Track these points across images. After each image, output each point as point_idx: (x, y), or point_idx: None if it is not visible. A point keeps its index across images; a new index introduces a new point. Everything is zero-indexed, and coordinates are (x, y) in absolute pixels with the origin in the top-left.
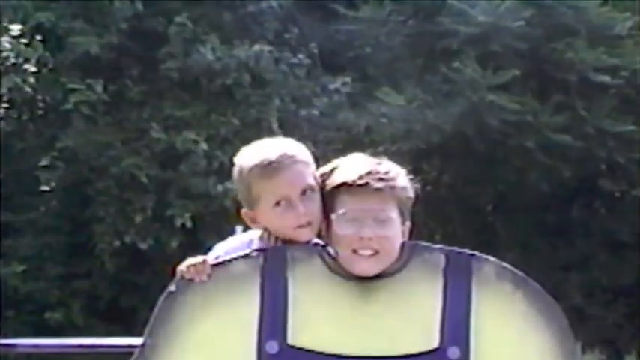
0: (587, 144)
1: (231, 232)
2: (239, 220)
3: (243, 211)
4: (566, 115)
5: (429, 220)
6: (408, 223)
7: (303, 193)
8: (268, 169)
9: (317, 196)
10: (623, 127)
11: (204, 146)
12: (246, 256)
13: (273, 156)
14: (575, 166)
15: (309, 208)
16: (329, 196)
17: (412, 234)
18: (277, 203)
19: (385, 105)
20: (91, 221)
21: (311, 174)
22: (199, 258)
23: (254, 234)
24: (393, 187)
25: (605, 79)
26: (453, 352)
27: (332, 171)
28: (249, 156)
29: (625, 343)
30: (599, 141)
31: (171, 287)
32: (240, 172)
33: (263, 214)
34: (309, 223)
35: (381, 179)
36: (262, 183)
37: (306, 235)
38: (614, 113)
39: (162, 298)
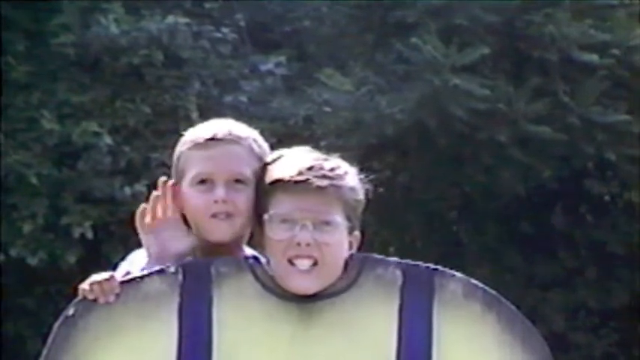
0: (570, 137)
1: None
2: None
3: (171, 182)
4: (545, 103)
5: (381, 229)
6: (357, 233)
7: (233, 180)
8: (203, 138)
9: (248, 193)
10: (615, 116)
11: (107, 139)
12: (161, 271)
13: (216, 130)
14: (557, 164)
15: (231, 198)
16: (263, 196)
17: (362, 246)
18: (201, 181)
19: (328, 90)
20: None
21: (251, 167)
22: (105, 274)
23: None
24: (338, 187)
25: (593, 58)
26: None
27: (268, 165)
28: (197, 127)
29: None
30: (586, 133)
31: (70, 310)
32: (180, 140)
33: (184, 191)
34: (228, 216)
35: (325, 176)
36: (191, 153)
37: (222, 230)
38: (604, 100)
39: (58, 323)
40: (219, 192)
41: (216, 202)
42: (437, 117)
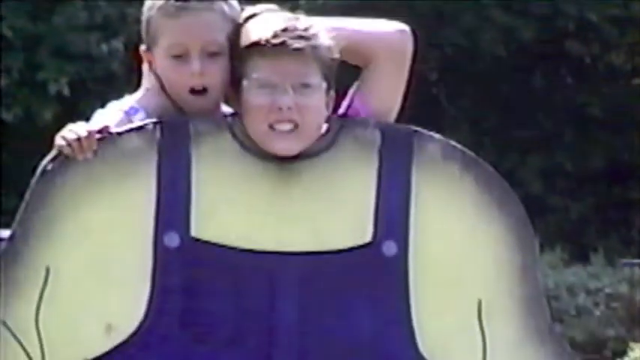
0: None
1: None
2: (131, 80)
3: (143, 47)
4: None
5: None
6: (332, 93)
7: (209, 53)
8: (173, 5)
9: (223, 63)
10: None
11: None
12: (139, 128)
13: None
14: (538, 25)
15: (208, 70)
16: (238, 61)
17: (337, 106)
18: (174, 53)
19: None
20: None
21: (225, 32)
22: (82, 129)
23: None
24: (315, 47)
25: None
26: (389, 247)
27: (241, 27)
28: None
29: (591, 240)
30: None
31: (48, 166)
32: (147, 1)
33: (158, 60)
34: (205, 90)
35: (301, 37)
36: (162, 21)
37: (202, 104)
38: None
39: (35, 179)
40: (195, 65)
41: (192, 75)
42: None
